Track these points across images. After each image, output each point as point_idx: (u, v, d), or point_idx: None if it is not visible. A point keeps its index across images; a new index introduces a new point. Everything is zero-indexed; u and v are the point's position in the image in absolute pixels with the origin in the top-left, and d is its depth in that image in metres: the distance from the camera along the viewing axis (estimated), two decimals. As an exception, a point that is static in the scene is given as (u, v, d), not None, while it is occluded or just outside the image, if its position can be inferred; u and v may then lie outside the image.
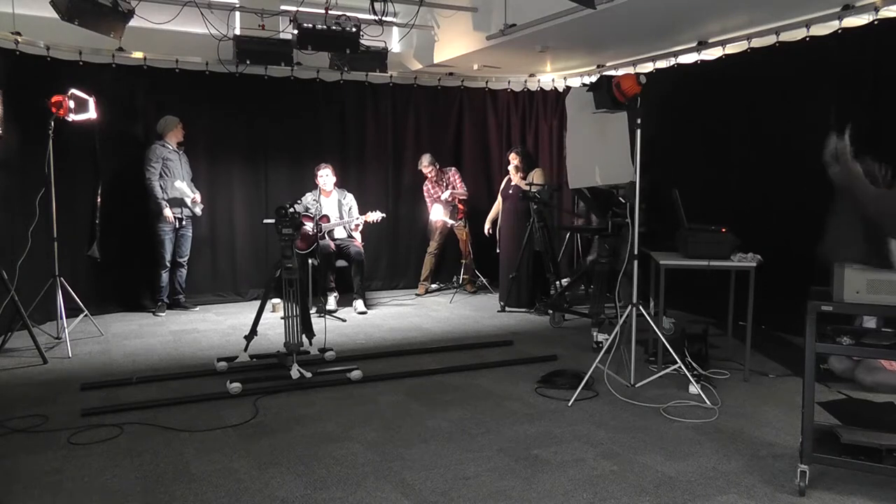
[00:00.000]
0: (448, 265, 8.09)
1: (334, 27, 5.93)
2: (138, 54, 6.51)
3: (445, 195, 7.41)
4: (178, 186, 6.33)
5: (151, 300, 6.62)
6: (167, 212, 6.33)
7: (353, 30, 6.01)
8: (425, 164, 7.43)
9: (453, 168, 7.65)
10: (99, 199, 6.21)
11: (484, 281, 7.70)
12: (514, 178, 6.78)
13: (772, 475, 3.02)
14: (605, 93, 4.04)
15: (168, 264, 6.48)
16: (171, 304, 6.64)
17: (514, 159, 6.79)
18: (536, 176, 6.66)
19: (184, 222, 6.52)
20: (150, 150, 6.33)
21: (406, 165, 7.90)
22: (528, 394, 4.17)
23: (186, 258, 6.65)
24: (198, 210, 6.56)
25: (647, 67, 6.89)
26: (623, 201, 5.25)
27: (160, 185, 6.32)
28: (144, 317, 6.43)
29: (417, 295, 7.65)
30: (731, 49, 6.01)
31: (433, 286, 7.93)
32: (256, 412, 3.82)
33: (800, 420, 2.86)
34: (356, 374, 4.39)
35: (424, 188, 7.65)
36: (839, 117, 4.82)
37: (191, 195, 6.45)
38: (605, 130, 4.75)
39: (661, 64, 6.76)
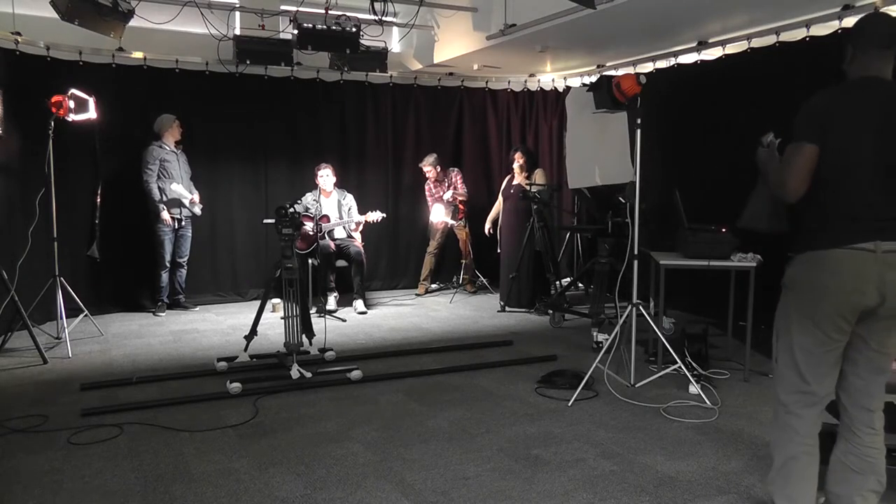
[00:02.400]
0: (448, 265, 8.09)
1: (334, 27, 5.94)
2: (138, 54, 6.51)
3: (447, 195, 7.42)
4: (174, 189, 6.32)
5: (151, 300, 6.62)
6: (165, 214, 6.32)
7: (353, 30, 6.02)
8: (427, 164, 7.42)
9: (456, 169, 7.65)
10: (99, 199, 6.20)
11: (484, 281, 7.70)
12: (518, 177, 6.78)
13: (772, 475, 3.02)
14: (605, 93, 4.04)
15: (168, 264, 6.48)
16: (171, 304, 6.64)
17: (518, 158, 6.78)
18: (538, 176, 6.66)
19: (183, 223, 6.52)
20: (146, 153, 6.31)
21: (406, 165, 7.90)
22: (528, 394, 4.17)
23: (186, 258, 6.65)
24: (197, 210, 6.56)
25: (647, 67, 6.89)
26: (623, 201, 5.25)
27: (158, 188, 6.31)
28: (144, 317, 6.43)
29: (417, 295, 7.65)
30: (731, 49, 6.01)
31: (433, 286, 7.93)
32: (256, 412, 3.82)
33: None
34: (356, 374, 4.39)
35: (426, 188, 7.65)
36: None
37: (188, 196, 6.44)
38: (605, 130, 4.76)
39: (661, 64, 6.76)
